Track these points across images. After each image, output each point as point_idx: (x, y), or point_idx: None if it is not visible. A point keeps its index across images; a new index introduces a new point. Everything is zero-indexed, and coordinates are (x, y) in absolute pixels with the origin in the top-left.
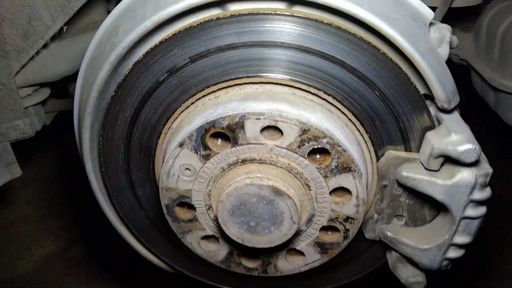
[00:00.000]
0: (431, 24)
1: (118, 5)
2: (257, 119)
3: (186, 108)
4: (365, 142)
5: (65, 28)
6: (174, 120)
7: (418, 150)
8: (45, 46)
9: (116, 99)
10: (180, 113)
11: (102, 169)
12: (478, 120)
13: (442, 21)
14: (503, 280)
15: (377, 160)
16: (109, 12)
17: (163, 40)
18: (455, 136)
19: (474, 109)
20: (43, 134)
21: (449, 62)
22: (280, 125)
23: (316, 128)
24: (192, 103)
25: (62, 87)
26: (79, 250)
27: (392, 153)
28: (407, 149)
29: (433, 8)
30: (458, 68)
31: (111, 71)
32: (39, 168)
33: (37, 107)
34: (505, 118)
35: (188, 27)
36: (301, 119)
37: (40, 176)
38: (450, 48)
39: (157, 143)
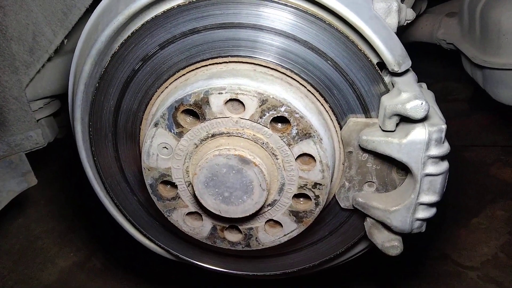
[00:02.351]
0: None
1: (98, 6)
2: (219, 93)
3: (162, 92)
4: (327, 112)
5: (65, 41)
6: (152, 105)
7: (376, 115)
8: (49, 59)
9: (100, 90)
10: (157, 98)
11: (95, 158)
12: (487, 110)
13: (428, 9)
14: None
15: (341, 129)
16: None
17: (134, 31)
18: (404, 95)
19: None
20: (65, 155)
21: (439, 48)
22: (240, 97)
23: (273, 97)
24: (166, 87)
25: None
26: (99, 260)
27: (353, 120)
28: (366, 113)
29: None
30: (451, 55)
31: (93, 65)
32: (61, 186)
33: (49, 119)
34: (493, 95)
35: (154, 16)
36: (259, 90)
37: (62, 195)
38: (406, 20)
39: (140, 129)
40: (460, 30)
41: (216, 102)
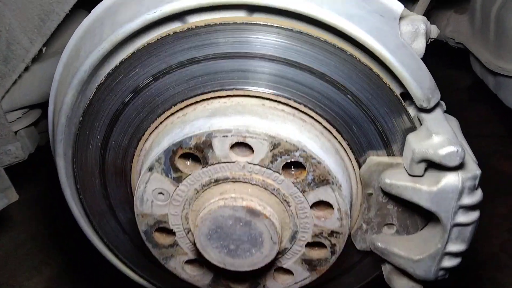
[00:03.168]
0: (402, 17)
1: (78, 27)
2: (224, 136)
3: (156, 128)
4: (344, 149)
5: (44, 49)
6: (146, 141)
7: (401, 154)
8: (27, 69)
9: (84, 124)
10: (150, 133)
11: (81, 196)
12: (486, 100)
13: (434, 4)
14: None
15: (359, 167)
16: None
17: (123, 60)
18: (435, 138)
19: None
20: (45, 153)
21: (446, 46)
22: (249, 141)
23: (286, 141)
24: (161, 122)
25: None
26: (88, 266)
27: (374, 159)
28: (390, 153)
29: None
30: (457, 50)
31: (76, 96)
32: (44, 188)
33: (29, 129)
34: (506, 102)
35: (146, 44)
36: (270, 132)
37: (46, 196)
38: (430, 39)
39: (131, 166)
40: (471, 29)
41: (221, 146)
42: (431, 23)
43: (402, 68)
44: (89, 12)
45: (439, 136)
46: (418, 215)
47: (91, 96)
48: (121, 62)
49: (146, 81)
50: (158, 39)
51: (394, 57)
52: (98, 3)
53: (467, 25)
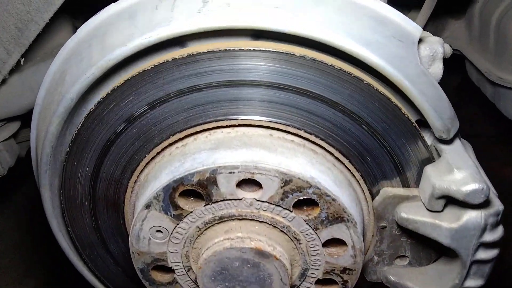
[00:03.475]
0: (420, 40)
1: (63, 47)
2: (230, 173)
3: (152, 158)
4: (357, 180)
5: (22, 60)
6: (140, 172)
7: (416, 183)
8: (4, 81)
9: (72, 154)
10: (146, 164)
11: (69, 228)
12: (476, 101)
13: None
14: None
15: (372, 198)
16: (75, 29)
17: (115, 87)
18: (458, 174)
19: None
20: (27, 162)
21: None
22: (257, 177)
23: (299, 177)
24: (158, 152)
25: None
26: (75, 278)
27: (388, 191)
28: (404, 182)
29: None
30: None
31: (61, 125)
32: (28, 196)
33: (8, 142)
34: (505, 113)
35: (141, 71)
36: (281, 168)
37: (30, 204)
38: (444, 58)
39: (124, 198)
40: (468, 36)
41: (226, 183)
42: (426, 29)
43: (422, 98)
44: (74, 20)
45: (462, 172)
46: (432, 247)
47: (80, 126)
48: (113, 90)
49: (141, 109)
50: (154, 65)
51: (414, 87)
52: (84, 10)
53: (464, 31)
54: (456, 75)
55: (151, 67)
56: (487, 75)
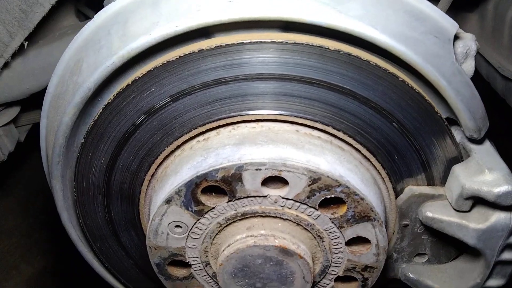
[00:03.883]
0: (455, 37)
1: (78, 33)
2: (257, 170)
3: (172, 152)
4: (382, 178)
5: (26, 43)
6: (159, 165)
7: (441, 182)
8: (6, 65)
9: (86, 146)
10: (164, 158)
11: (80, 220)
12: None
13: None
14: None
15: (396, 196)
16: (79, 12)
17: (137, 78)
18: (489, 175)
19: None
20: (22, 145)
21: None
22: (284, 175)
23: (328, 176)
24: (178, 146)
25: (35, 98)
26: (71, 263)
27: (414, 189)
28: (430, 181)
29: None
30: None
31: (77, 115)
32: (20, 178)
33: (7, 127)
34: None
35: (165, 62)
36: (310, 166)
37: (23, 187)
38: None
39: (140, 191)
40: (480, 29)
41: (252, 180)
42: None
43: (457, 97)
44: (77, 3)
45: (493, 173)
46: (453, 245)
47: (97, 117)
48: (134, 81)
49: (163, 101)
50: (180, 56)
51: (450, 86)
52: None
53: (476, 25)
54: None
55: (176, 58)
56: (500, 70)
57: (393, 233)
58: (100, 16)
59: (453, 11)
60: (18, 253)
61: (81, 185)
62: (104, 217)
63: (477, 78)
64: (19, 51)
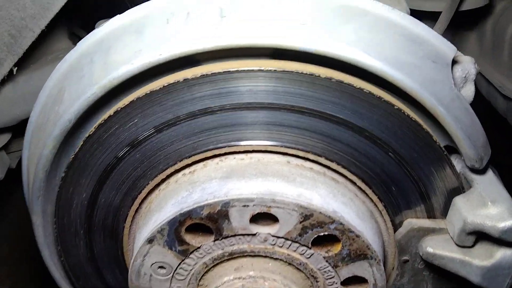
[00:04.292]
0: (453, 61)
1: (61, 61)
2: (244, 206)
3: (157, 185)
4: (379, 210)
5: (15, 69)
6: (143, 199)
7: (443, 214)
8: None
9: (67, 180)
10: (149, 192)
11: (62, 258)
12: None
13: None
14: None
15: (394, 230)
16: (73, 35)
17: (119, 109)
18: (492, 208)
19: None
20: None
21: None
22: (274, 211)
23: (320, 212)
24: (163, 179)
25: (26, 124)
26: None
27: (413, 222)
28: (430, 213)
29: (438, 13)
30: None
31: (57, 148)
32: (13, 205)
33: None
34: None
35: (148, 92)
36: (301, 202)
37: (15, 214)
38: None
39: (123, 227)
40: (479, 48)
41: (239, 217)
42: None
43: (457, 125)
44: (72, 27)
45: (497, 206)
46: (456, 281)
47: (77, 149)
48: (116, 112)
49: (146, 133)
50: (164, 85)
51: (449, 113)
52: (82, 17)
53: (475, 43)
54: None
55: (160, 88)
56: (501, 90)
57: (393, 268)
58: (84, 43)
59: (451, 30)
60: (10, 282)
61: (62, 221)
62: (87, 255)
63: (478, 98)
64: (8, 76)
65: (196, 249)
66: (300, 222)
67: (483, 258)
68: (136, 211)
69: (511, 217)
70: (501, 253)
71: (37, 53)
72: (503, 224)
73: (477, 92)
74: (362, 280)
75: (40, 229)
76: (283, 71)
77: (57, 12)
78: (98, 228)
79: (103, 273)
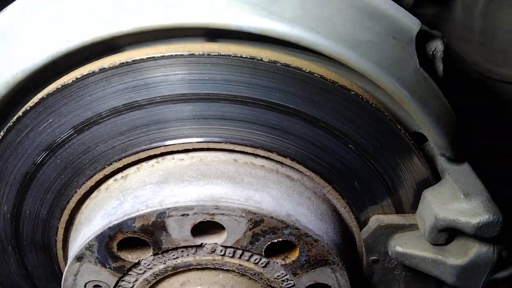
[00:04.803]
0: (418, 37)
1: None
2: (183, 215)
3: (87, 194)
4: (344, 208)
5: None
6: (74, 209)
7: (413, 208)
8: None
9: None
10: (79, 201)
11: None
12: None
13: None
14: None
15: (360, 228)
16: None
17: (28, 108)
18: (466, 202)
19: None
20: None
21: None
22: (219, 219)
23: (272, 217)
24: (93, 187)
25: None
26: None
27: (380, 219)
28: (398, 206)
29: None
30: None
31: None
32: None
33: None
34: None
35: (59, 86)
36: (249, 207)
37: None
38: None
39: (56, 240)
40: (452, 24)
41: (178, 228)
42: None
43: (423, 110)
44: None
45: (471, 199)
46: (431, 279)
47: None
48: (26, 112)
49: (64, 134)
50: (77, 78)
51: (413, 96)
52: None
53: (446, 18)
54: None
55: (72, 81)
56: (474, 67)
57: (363, 268)
58: None
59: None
60: None
61: None
62: (20, 272)
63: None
64: None
65: (134, 265)
66: (250, 229)
67: (457, 256)
68: (70, 222)
69: (486, 212)
70: (476, 250)
71: None
72: (478, 220)
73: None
74: (325, 287)
75: None
76: (219, 55)
77: None
78: (28, 243)
79: None
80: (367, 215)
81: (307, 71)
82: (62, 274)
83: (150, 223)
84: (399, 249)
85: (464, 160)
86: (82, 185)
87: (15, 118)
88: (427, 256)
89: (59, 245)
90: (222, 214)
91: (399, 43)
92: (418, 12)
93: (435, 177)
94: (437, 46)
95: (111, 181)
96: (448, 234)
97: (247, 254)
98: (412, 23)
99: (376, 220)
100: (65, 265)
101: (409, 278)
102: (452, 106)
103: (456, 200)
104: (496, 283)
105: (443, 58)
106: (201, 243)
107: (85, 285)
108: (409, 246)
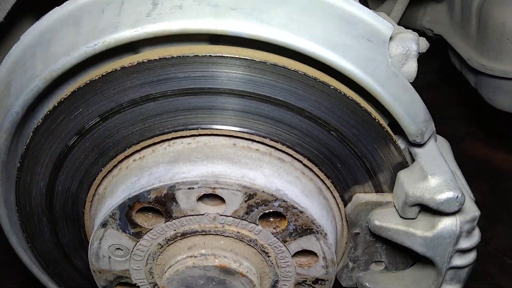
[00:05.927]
0: (391, 38)
1: (7, 54)
2: (190, 188)
3: (110, 171)
4: (328, 187)
5: None
6: (98, 185)
7: (391, 188)
8: None
9: (24, 170)
10: (103, 178)
11: (29, 245)
12: (455, 82)
13: None
14: (496, 255)
15: (345, 205)
16: None
17: (62, 99)
18: (432, 180)
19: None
20: None
21: (424, 35)
22: (219, 192)
23: (263, 191)
24: (115, 165)
25: None
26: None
27: (360, 197)
28: (378, 187)
29: None
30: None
31: (10, 140)
32: None
33: None
34: (489, 100)
35: (88, 81)
36: (244, 182)
37: None
38: (419, 53)
39: (83, 212)
40: (450, 20)
41: (186, 199)
42: (407, 13)
43: (394, 102)
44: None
45: (436, 178)
46: (409, 252)
47: (28, 141)
48: (60, 102)
49: (92, 121)
50: (102, 75)
51: (385, 91)
52: (53, 3)
53: (445, 16)
54: (437, 58)
55: (99, 77)
56: (469, 62)
57: (347, 242)
58: (27, 36)
59: (423, 3)
60: None
61: (25, 209)
62: (53, 240)
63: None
64: None
65: (149, 230)
66: (245, 201)
67: (426, 229)
68: (94, 196)
69: (447, 189)
70: (442, 224)
71: (4, 45)
72: (440, 196)
73: (450, 61)
74: (312, 253)
75: (4, 218)
76: (219, 56)
77: (15, 3)
78: (60, 214)
79: (70, 258)
80: (350, 193)
81: (293, 69)
82: (88, 242)
83: (163, 195)
84: (377, 222)
85: (432, 144)
86: (106, 164)
87: (51, 107)
88: (400, 229)
89: (87, 216)
90: (222, 188)
91: (372, 45)
92: (419, 8)
93: (407, 161)
94: (410, 47)
95: (130, 161)
96: (418, 209)
97: (243, 223)
98: (385, 28)
99: (358, 198)
100: (91, 234)
101: (389, 251)
102: (424, 100)
103: (423, 180)
104: (463, 252)
105: (418, 57)
106: (205, 213)
107: (108, 248)
108: (385, 220)
